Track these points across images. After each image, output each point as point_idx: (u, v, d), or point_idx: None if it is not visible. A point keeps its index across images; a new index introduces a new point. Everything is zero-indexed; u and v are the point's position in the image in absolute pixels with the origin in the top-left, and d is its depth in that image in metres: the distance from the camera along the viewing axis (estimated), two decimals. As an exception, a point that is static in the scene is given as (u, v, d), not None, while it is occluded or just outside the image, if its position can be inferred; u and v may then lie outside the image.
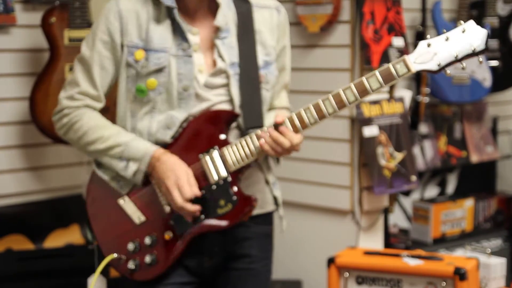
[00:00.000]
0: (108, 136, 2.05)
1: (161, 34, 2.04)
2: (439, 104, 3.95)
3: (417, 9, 3.76)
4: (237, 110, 2.06)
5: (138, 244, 2.06)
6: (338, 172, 3.37)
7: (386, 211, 3.47)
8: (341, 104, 1.98)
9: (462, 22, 1.94)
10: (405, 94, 3.44)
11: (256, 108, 2.09)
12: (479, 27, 1.94)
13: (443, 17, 3.76)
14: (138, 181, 2.05)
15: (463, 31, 1.94)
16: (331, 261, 3.03)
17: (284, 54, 2.24)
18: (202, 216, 2.02)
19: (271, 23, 2.16)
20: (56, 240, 3.22)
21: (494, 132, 4.23)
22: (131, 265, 2.05)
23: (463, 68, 1.99)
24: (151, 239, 2.05)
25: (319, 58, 3.41)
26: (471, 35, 1.93)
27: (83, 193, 3.25)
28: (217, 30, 2.08)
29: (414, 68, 1.95)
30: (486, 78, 3.82)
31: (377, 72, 1.96)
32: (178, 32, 2.04)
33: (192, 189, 1.98)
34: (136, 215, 2.07)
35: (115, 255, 2.06)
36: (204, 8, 2.09)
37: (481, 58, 1.98)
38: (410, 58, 1.95)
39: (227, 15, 2.09)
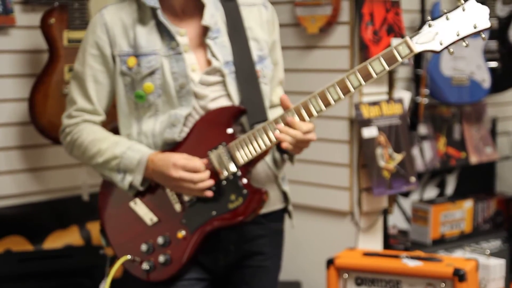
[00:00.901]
0: (105, 149, 2.07)
1: (148, 37, 2.05)
2: (438, 105, 3.96)
3: (416, 10, 3.76)
4: (241, 106, 2.07)
5: (152, 245, 2.06)
6: (337, 173, 3.37)
7: (386, 212, 3.47)
8: (345, 90, 1.97)
9: (462, 1, 1.94)
10: (404, 95, 3.44)
11: (258, 103, 2.09)
12: (479, 4, 1.94)
13: (442, 18, 3.75)
14: (133, 192, 2.08)
15: (464, 10, 1.94)
16: (330, 262, 3.03)
17: (275, 49, 2.25)
18: (214, 212, 2.02)
19: (260, 19, 2.18)
20: (55, 241, 3.22)
21: (493, 133, 4.23)
22: (145, 266, 2.05)
23: (466, 46, 1.98)
24: (164, 239, 2.04)
25: (318, 59, 3.42)
26: (472, 13, 1.94)
27: (83, 194, 3.25)
28: (205, 30, 2.08)
29: (417, 48, 1.94)
30: (485, 79, 3.83)
31: (380, 56, 1.95)
32: (165, 32, 2.06)
33: (194, 161, 1.98)
34: (148, 217, 2.07)
35: (128, 256, 2.06)
36: (190, 8, 2.09)
37: (483, 34, 1.98)
38: (412, 39, 1.95)
39: (215, 15, 2.10)
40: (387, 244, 3.51)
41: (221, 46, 2.09)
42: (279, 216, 2.23)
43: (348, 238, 3.35)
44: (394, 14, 3.33)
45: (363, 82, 1.96)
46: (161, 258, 2.04)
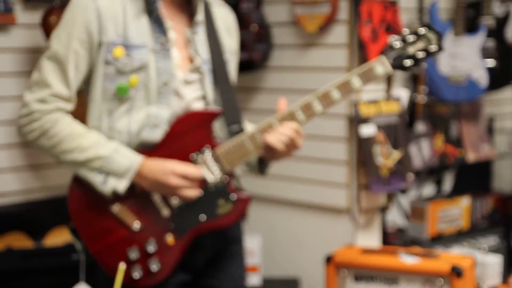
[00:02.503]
0: (87, 146, 1.94)
1: (139, 28, 1.97)
2: (436, 103, 3.96)
3: (415, 9, 3.77)
4: (210, 106, 2.07)
5: (138, 251, 1.98)
6: (335, 171, 3.38)
7: (384, 209, 3.48)
8: (328, 103, 2.05)
9: (417, 26, 2.11)
10: (403, 93, 3.45)
11: (233, 103, 2.10)
12: (434, 28, 2.11)
13: (440, 17, 3.77)
14: (111, 195, 1.97)
15: (424, 33, 2.09)
16: (328, 259, 3.04)
17: (237, 56, 2.23)
18: (203, 217, 2.01)
19: (227, 21, 2.17)
20: (56, 238, 3.22)
21: (490, 131, 4.24)
22: (135, 273, 1.98)
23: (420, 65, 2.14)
24: (152, 244, 1.99)
25: (316, 57, 3.42)
26: (430, 36, 2.09)
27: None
28: (189, 25, 2.06)
29: (391, 68, 2.08)
30: (482, 78, 3.84)
31: (358, 72, 2.06)
32: (156, 26, 1.99)
33: (193, 169, 1.96)
34: (132, 222, 1.99)
35: (123, 265, 1.92)
36: (177, 2, 2.06)
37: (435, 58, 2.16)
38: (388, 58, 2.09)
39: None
40: (385, 241, 3.52)
41: (201, 42, 2.07)
42: None
43: (346, 235, 3.36)
44: (392, 12, 3.34)
45: (343, 97, 2.05)
46: (151, 265, 1.98)
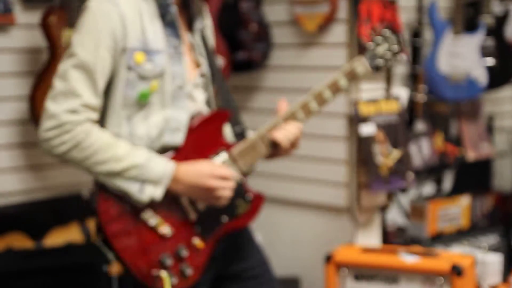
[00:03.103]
0: (122, 155, 1.91)
1: (155, 33, 1.97)
2: (435, 102, 3.96)
3: (414, 8, 3.76)
4: (213, 108, 2.10)
5: (170, 257, 1.99)
6: (335, 170, 3.38)
7: (384, 209, 3.48)
8: (322, 103, 2.11)
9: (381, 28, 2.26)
10: (402, 92, 3.45)
11: (232, 104, 2.14)
12: (392, 30, 2.28)
13: (439, 16, 3.77)
14: (146, 203, 1.96)
15: (387, 35, 2.21)
16: (329, 258, 3.03)
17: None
18: (225, 219, 2.06)
19: (208, 19, 2.19)
20: (56, 238, 3.22)
21: (490, 129, 4.23)
22: (172, 279, 1.99)
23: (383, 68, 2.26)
24: (182, 249, 2.00)
25: (316, 57, 3.42)
26: (391, 37, 2.21)
27: (83, 192, 3.25)
28: (189, 29, 2.08)
29: (370, 67, 2.18)
30: (482, 76, 3.83)
31: (343, 73, 2.14)
32: (170, 30, 2.00)
33: (228, 170, 2.00)
34: (164, 228, 1.99)
35: (164, 273, 1.96)
36: (180, 6, 2.06)
37: (402, 57, 2.31)
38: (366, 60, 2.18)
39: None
40: (385, 240, 3.52)
41: (199, 46, 2.10)
42: None
43: (346, 234, 3.36)
44: (391, 12, 3.33)
45: (333, 96, 2.12)
46: (183, 269, 2.00)
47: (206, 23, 2.17)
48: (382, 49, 2.19)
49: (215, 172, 1.96)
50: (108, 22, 1.91)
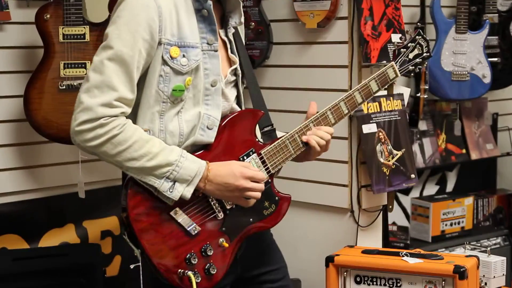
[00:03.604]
0: (156, 152, 1.90)
1: (191, 28, 1.96)
2: (438, 101, 3.94)
3: (416, 5, 3.74)
4: (243, 107, 2.13)
5: (195, 256, 1.99)
6: (336, 170, 3.36)
7: (385, 209, 3.45)
8: (353, 106, 2.21)
9: (413, 32, 2.41)
10: (404, 91, 3.42)
11: (264, 105, 2.16)
12: (423, 35, 2.38)
13: (442, 13, 3.74)
14: (175, 201, 1.96)
15: (418, 39, 2.35)
16: (329, 260, 3.02)
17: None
18: (251, 219, 2.08)
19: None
20: (51, 239, 3.21)
21: (494, 129, 4.21)
22: (196, 278, 1.98)
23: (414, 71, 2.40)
24: (208, 249, 2.00)
25: (317, 54, 3.40)
26: (421, 42, 2.35)
27: (79, 192, 3.22)
28: (221, 26, 2.08)
29: (399, 73, 2.31)
30: (486, 75, 3.81)
31: (375, 77, 2.25)
32: (205, 25, 1.99)
33: (259, 172, 2.03)
34: (191, 226, 1.99)
35: (189, 272, 1.96)
36: (214, 1, 2.06)
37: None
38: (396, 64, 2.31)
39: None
40: (387, 242, 3.50)
41: (233, 43, 2.11)
42: None
43: (347, 236, 3.34)
44: (393, 9, 3.31)
45: (364, 100, 2.23)
46: (208, 268, 2.00)
47: (241, 21, 2.17)
48: (412, 54, 2.31)
49: (246, 173, 1.98)
50: (146, 13, 1.89)
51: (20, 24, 3.17)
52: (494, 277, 3.32)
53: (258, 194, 2.01)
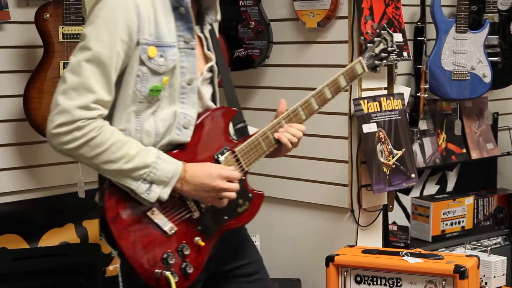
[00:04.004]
0: (133, 154, 1.89)
1: (168, 26, 1.94)
2: (438, 100, 3.93)
3: (417, 5, 3.73)
4: (218, 105, 2.12)
5: (172, 255, 1.98)
6: (336, 170, 3.35)
7: (385, 209, 3.45)
8: (322, 102, 2.21)
9: (377, 28, 2.42)
10: (404, 91, 3.42)
11: (237, 102, 2.16)
12: (388, 30, 2.40)
13: (442, 13, 3.73)
14: (153, 203, 1.95)
15: (383, 34, 2.37)
16: (330, 259, 3.01)
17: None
18: (226, 217, 2.08)
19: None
20: (51, 239, 3.20)
21: (494, 128, 4.20)
22: (174, 278, 1.98)
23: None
24: (184, 248, 2.00)
25: (317, 54, 3.39)
26: (386, 37, 2.37)
27: (79, 191, 3.22)
28: (196, 23, 2.07)
29: (367, 68, 2.32)
30: (486, 74, 3.80)
31: (343, 72, 2.26)
32: (182, 23, 1.97)
33: (235, 172, 2.03)
34: (168, 226, 1.98)
35: (167, 272, 1.95)
36: None
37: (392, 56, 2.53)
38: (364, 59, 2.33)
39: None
40: (387, 241, 3.49)
41: (208, 40, 2.10)
42: None
43: (347, 235, 3.33)
44: (393, 8, 3.31)
45: (334, 95, 2.23)
46: (185, 268, 2.00)
47: (218, 18, 2.15)
48: (378, 49, 2.33)
49: (223, 174, 1.98)
50: (125, 14, 1.87)
51: (20, 23, 3.17)
52: (494, 276, 3.32)
53: (233, 194, 2.02)
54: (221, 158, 2.05)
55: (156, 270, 1.96)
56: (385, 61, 2.37)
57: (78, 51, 1.88)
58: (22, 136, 3.19)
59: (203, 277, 2.11)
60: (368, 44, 2.35)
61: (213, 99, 2.11)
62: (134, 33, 1.88)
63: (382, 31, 2.37)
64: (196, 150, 2.01)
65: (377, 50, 2.34)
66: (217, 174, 1.97)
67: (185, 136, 1.98)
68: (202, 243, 2.03)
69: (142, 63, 1.90)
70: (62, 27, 2.99)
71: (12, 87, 3.16)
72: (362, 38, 3.05)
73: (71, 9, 2.98)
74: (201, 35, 2.07)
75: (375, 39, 2.37)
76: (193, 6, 2.04)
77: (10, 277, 2.95)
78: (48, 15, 2.99)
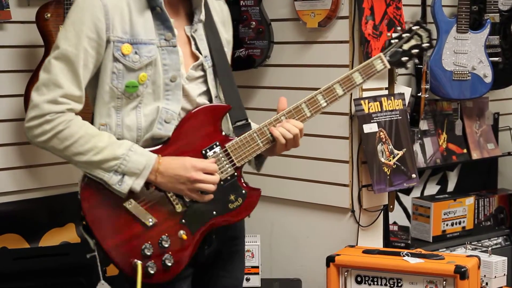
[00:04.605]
0: (102, 147, 1.95)
1: (145, 25, 2.00)
2: (439, 100, 3.93)
3: (417, 5, 3.73)
4: (215, 102, 2.11)
5: (152, 247, 2.00)
6: (337, 170, 3.35)
7: (386, 209, 3.44)
8: (332, 99, 2.14)
9: (410, 24, 2.29)
10: (405, 91, 3.42)
11: (237, 99, 2.15)
12: (424, 26, 2.27)
13: (443, 13, 3.73)
14: (125, 194, 1.98)
15: (415, 30, 2.25)
16: (330, 259, 3.01)
17: (230, 48, 2.27)
18: (215, 212, 2.06)
19: (222, 15, 2.21)
20: (52, 238, 3.20)
21: (495, 129, 4.20)
22: (150, 269, 2.00)
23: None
24: (165, 240, 2.01)
25: (318, 54, 3.39)
26: (420, 33, 2.25)
27: (79, 191, 3.22)
28: (188, 22, 2.10)
29: (388, 64, 2.20)
30: (487, 74, 3.80)
31: (359, 68, 2.17)
32: (160, 22, 2.01)
33: (212, 164, 2.01)
34: (147, 218, 2.00)
35: (139, 262, 1.98)
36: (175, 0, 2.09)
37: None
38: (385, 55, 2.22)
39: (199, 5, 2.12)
40: (387, 241, 3.49)
41: (200, 39, 2.11)
42: None
43: (348, 235, 3.33)
44: (394, 8, 3.30)
45: (346, 92, 2.15)
46: (165, 261, 2.01)
47: (216, 11, 2.18)
48: (408, 45, 2.22)
49: (197, 165, 1.98)
50: (90, 14, 1.95)
51: (21, 23, 3.17)
52: (495, 277, 3.31)
53: (210, 187, 2.00)
54: (210, 153, 2.05)
55: (133, 260, 1.98)
56: (416, 58, 2.26)
57: (51, 50, 1.98)
58: (23, 135, 3.13)
59: (189, 272, 2.11)
60: (393, 41, 2.23)
61: (210, 98, 2.11)
62: (101, 31, 1.95)
63: (414, 27, 2.25)
64: (182, 145, 2.03)
65: (406, 46, 2.23)
66: (191, 165, 1.97)
67: (167, 130, 2.01)
68: (185, 237, 2.02)
69: (116, 60, 1.97)
70: (63, 27, 2.99)
71: (13, 87, 3.16)
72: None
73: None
74: (189, 34, 2.09)
75: (404, 35, 2.24)
76: (185, 6, 2.09)
77: (11, 277, 2.95)
78: (49, 15, 3.00)
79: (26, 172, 3.22)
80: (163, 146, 2.02)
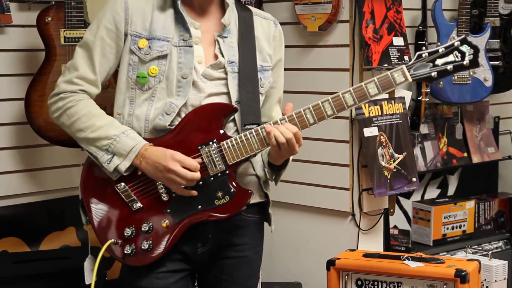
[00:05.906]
0: (99, 126, 2.11)
1: (164, 24, 2.15)
2: (440, 104, 3.93)
3: (418, 9, 3.73)
4: (234, 104, 2.16)
5: (134, 230, 2.12)
6: (337, 173, 3.35)
7: (386, 213, 3.44)
8: (340, 107, 2.10)
9: (455, 37, 2.06)
10: (405, 95, 3.42)
11: (254, 106, 2.19)
12: (471, 43, 2.14)
13: (444, 17, 3.73)
14: (115, 176, 2.12)
15: (456, 46, 2.12)
16: (330, 263, 3.01)
17: (279, 67, 2.33)
18: (200, 206, 2.11)
19: (268, 33, 2.29)
20: (52, 242, 3.20)
21: (495, 132, 4.20)
22: (126, 250, 2.11)
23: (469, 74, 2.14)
24: (148, 226, 2.11)
25: (318, 58, 3.39)
26: (463, 50, 2.13)
27: (80, 194, 3.22)
28: (219, 28, 2.19)
29: (411, 78, 2.10)
30: (487, 78, 3.80)
31: (376, 79, 2.09)
32: (180, 23, 2.16)
33: (191, 160, 2.07)
34: (133, 202, 2.13)
35: (112, 240, 2.11)
36: (208, 5, 2.20)
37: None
38: (409, 69, 2.11)
39: (231, 16, 2.22)
40: (388, 245, 3.49)
41: (229, 46, 2.19)
42: (257, 209, 2.29)
43: (348, 239, 3.33)
44: (395, 12, 3.30)
45: (357, 102, 2.10)
46: (143, 245, 2.10)
47: (263, 28, 2.27)
48: (442, 61, 2.11)
49: (176, 156, 2.05)
50: (112, 8, 2.16)
51: (22, 27, 3.16)
52: (495, 281, 3.31)
53: (183, 181, 2.05)
54: (205, 148, 2.11)
55: (111, 239, 2.12)
56: (445, 74, 2.10)
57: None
58: (23, 139, 3.19)
59: (182, 267, 2.17)
60: (424, 54, 2.11)
61: (229, 101, 2.16)
62: (120, 24, 2.14)
63: (457, 42, 2.12)
64: (180, 138, 2.11)
65: (439, 62, 2.10)
66: (170, 156, 2.05)
67: (165, 121, 2.12)
68: (168, 226, 2.10)
69: (132, 52, 2.15)
70: (64, 31, 3.00)
71: (13, 91, 3.16)
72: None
73: (72, 13, 2.98)
74: (216, 38, 2.19)
75: (441, 49, 2.11)
76: (221, 14, 2.21)
77: (11, 281, 2.95)
78: (49, 19, 3.00)
79: (27, 176, 3.22)
80: (162, 136, 2.13)
